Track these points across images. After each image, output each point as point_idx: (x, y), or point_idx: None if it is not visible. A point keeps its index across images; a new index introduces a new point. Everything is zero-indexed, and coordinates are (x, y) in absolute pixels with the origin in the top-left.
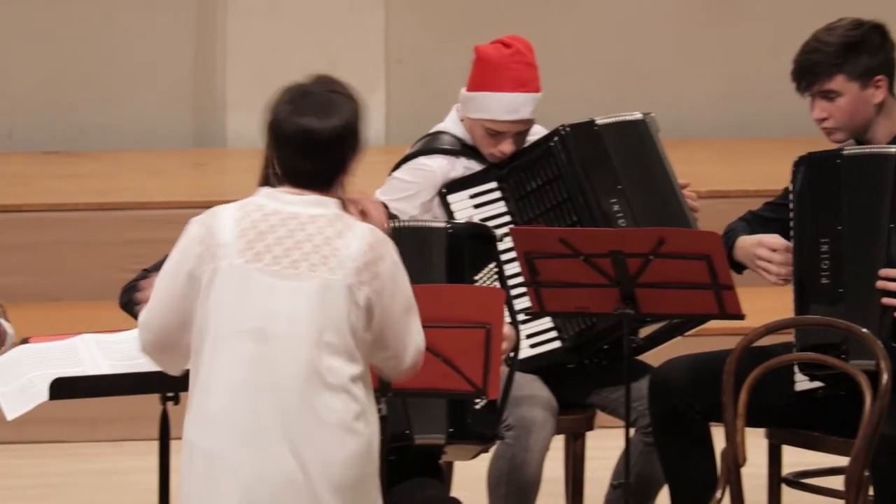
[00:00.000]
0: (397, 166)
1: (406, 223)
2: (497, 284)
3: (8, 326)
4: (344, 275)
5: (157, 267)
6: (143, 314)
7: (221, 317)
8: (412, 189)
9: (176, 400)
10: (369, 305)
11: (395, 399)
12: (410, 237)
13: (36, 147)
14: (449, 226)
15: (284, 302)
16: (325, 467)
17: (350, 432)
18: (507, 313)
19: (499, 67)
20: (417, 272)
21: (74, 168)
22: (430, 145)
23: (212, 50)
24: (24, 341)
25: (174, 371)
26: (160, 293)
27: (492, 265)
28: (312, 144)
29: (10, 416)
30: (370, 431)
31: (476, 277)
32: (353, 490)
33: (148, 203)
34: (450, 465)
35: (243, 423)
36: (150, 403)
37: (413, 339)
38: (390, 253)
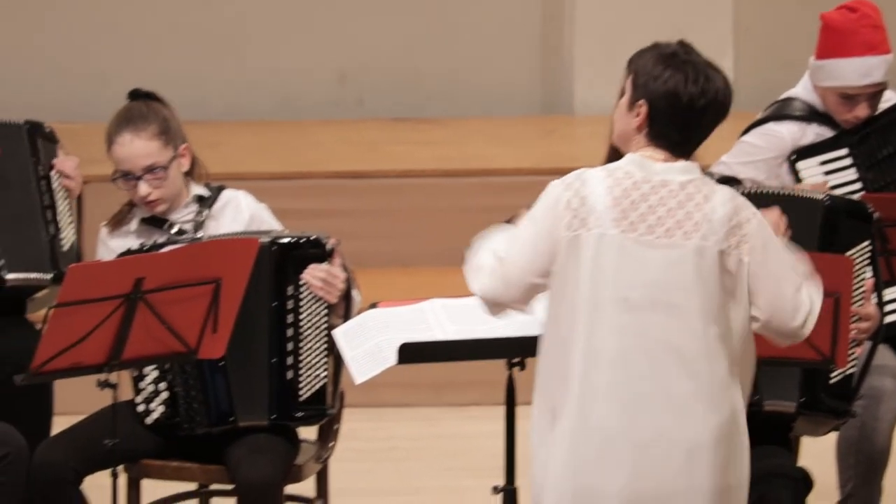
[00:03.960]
0: (747, 131)
1: (779, 190)
2: (868, 265)
3: (355, 293)
4: (716, 241)
5: None
6: (496, 264)
7: (595, 286)
8: (760, 154)
9: (522, 366)
10: (740, 270)
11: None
12: (776, 204)
13: (385, 114)
14: (826, 198)
15: (660, 270)
16: (703, 432)
17: (723, 398)
18: (874, 294)
19: (846, 33)
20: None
21: (423, 135)
22: (780, 111)
23: (560, 17)
24: (373, 306)
25: (496, 316)
26: (519, 250)
27: (865, 244)
28: (688, 111)
29: (359, 379)
30: (738, 399)
31: (847, 254)
32: (723, 456)
33: (496, 170)
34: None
35: (622, 393)
36: (496, 369)
37: (793, 300)
38: (755, 214)
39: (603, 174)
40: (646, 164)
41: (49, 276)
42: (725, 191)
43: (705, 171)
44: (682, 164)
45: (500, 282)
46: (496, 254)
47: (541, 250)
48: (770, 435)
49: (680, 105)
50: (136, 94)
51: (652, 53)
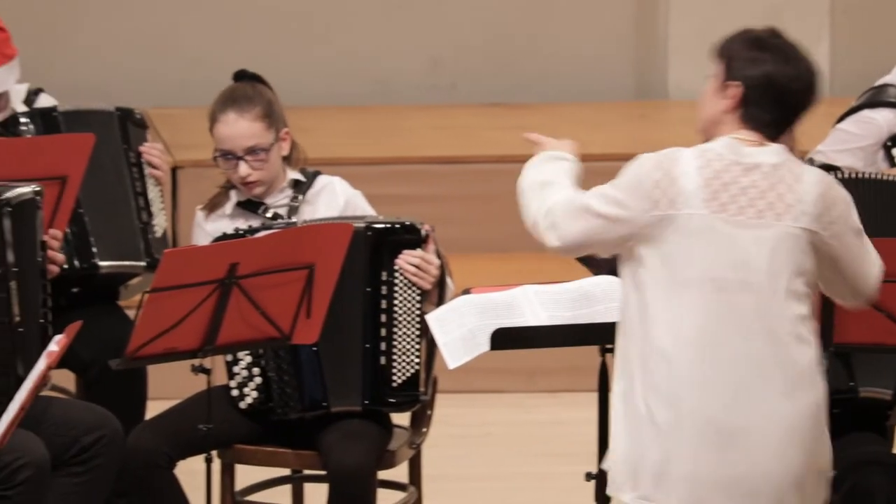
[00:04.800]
0: (842, 118)
1: (875, 176)
2: None
3: (449, 279)
4: (807, 222)
5: None
6: (585, 204)
7: (683, 267)
8: (856, 141)
9: (615, 351)
10: (827, 250)
11: (836, 355)
12: (875, 190)
13: (479, 99)
14: None
15: (749, 251)
16: (790, 416)
17: (811, 381)
18: None
19: None
20: (878, 227)
21: (516, 120)
22: (875, 98)
23: (655, 1)
24: (466, 292)
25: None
26: (592, 216)
27: None
28: (783, 93)
29: (452, 365)
30: (822, 382)
31: None
32: (811, 439)
33: (589, 155)
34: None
35: (709, 373)
36: (589, 355)
37: (875, 279)
38: (843, 196)
39: (694, 154)
40: (737, 147)
41: (142, 263)
42: (816, 172)
43: (803, 158)
44: (773, 147)
45: (562, 227)
46: (577, 199)
47: (619, 218)
48: (866, 422)
49: (775, 87)
50: (241, 76)
51: (743, 38)
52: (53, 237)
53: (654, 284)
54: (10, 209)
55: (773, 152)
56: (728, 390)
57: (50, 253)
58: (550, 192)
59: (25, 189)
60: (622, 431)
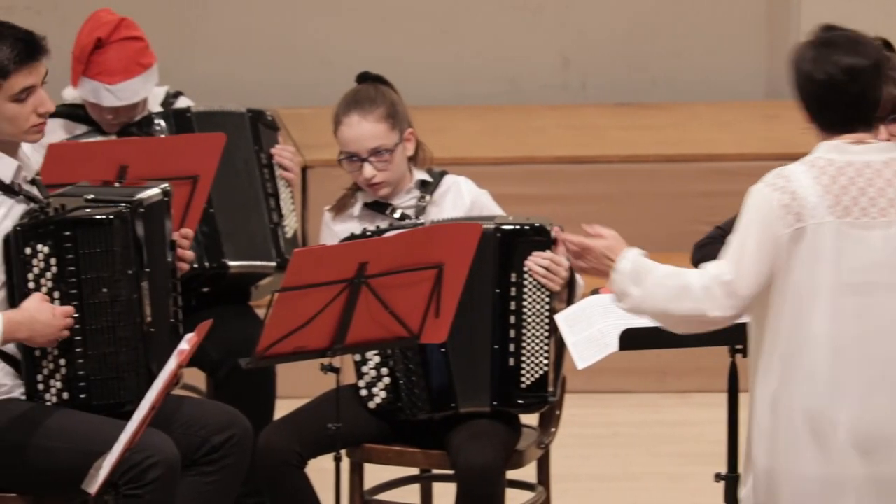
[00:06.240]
0: None
1: None
2: None
3: (579, 279)
4: None
5: (728, 225)
6: (731, 282)
7: (817, 275)
8: None
9: (745, 352)
10: None
11: None
12: None
13: (608, 99)
14: None
15: (879, 250)
16: None
17: None
18: None
19: None
20: None
21: (646, 120)
22: None
23: (786, 1)
24: (595, 292)
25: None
26: (748, 261)
27: None
28: (825, 89)
29: (581, 365)
30: None
31: None
32: None
33: (719, 155)
34: None
35: (850, 377)
36: (718, 355)
37: None
38: None
39: (804, 167)
40: (843, 148)
41: (273, 263)
42: None
43: None
44: (878, 143)
45: (732, 300)
46: (720, 278)
47: (766, 259)
48: None
49: (816, 86)
50: (364, 77)
51: (793, 54)
52: (184, 236)
53: (790, 295)
54: (142, 210)
55: (879, 149)
56: (871, 394)
57: (179, 252)
58: (683, 291)
59: (155, 190)
60: (761, 434)
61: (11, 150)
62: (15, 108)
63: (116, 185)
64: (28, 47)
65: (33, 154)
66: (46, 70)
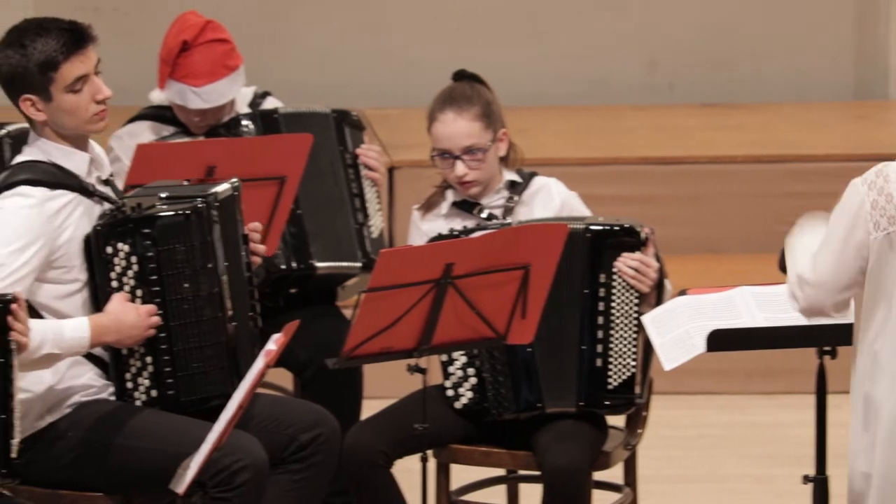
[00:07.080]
0: None
1: None
2: None
3: (667, 282)
4: None
5: None
6: (802, 274)
7: None
8: None
9: (833, 354)
10: None
11: None
12: None
13: (695, 99)
14: None
15: None
16: None
17: None
18: None
19: None
20: None
21: (733, 120)
22: None
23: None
24: (682, 293)
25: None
26: (830, 258)
27: None
28: None
29: (668, 366)
30: None
31: None
32: None
33: (807, 156)
34: None
35: None
36: (806, 357)
37: None
38: None
39: None
40: None
41: (359, 264)
42: None
43: None
44: None
45: (801, 291)
46: (801, 278)
47: (848, 264)
48: None
49: None
50: (460, 76)
51: None
52: (253, 230)
53: (885, 301)
54: (217, 205)
55: None
56: None
57: (252, 245)
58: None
59: (226, 185)
60: (856, 438)
61: (81, 143)
62: (72, 98)
63: (184, 183)
64: (74, 36)
65: (123, 154)
66: (98, 58)
